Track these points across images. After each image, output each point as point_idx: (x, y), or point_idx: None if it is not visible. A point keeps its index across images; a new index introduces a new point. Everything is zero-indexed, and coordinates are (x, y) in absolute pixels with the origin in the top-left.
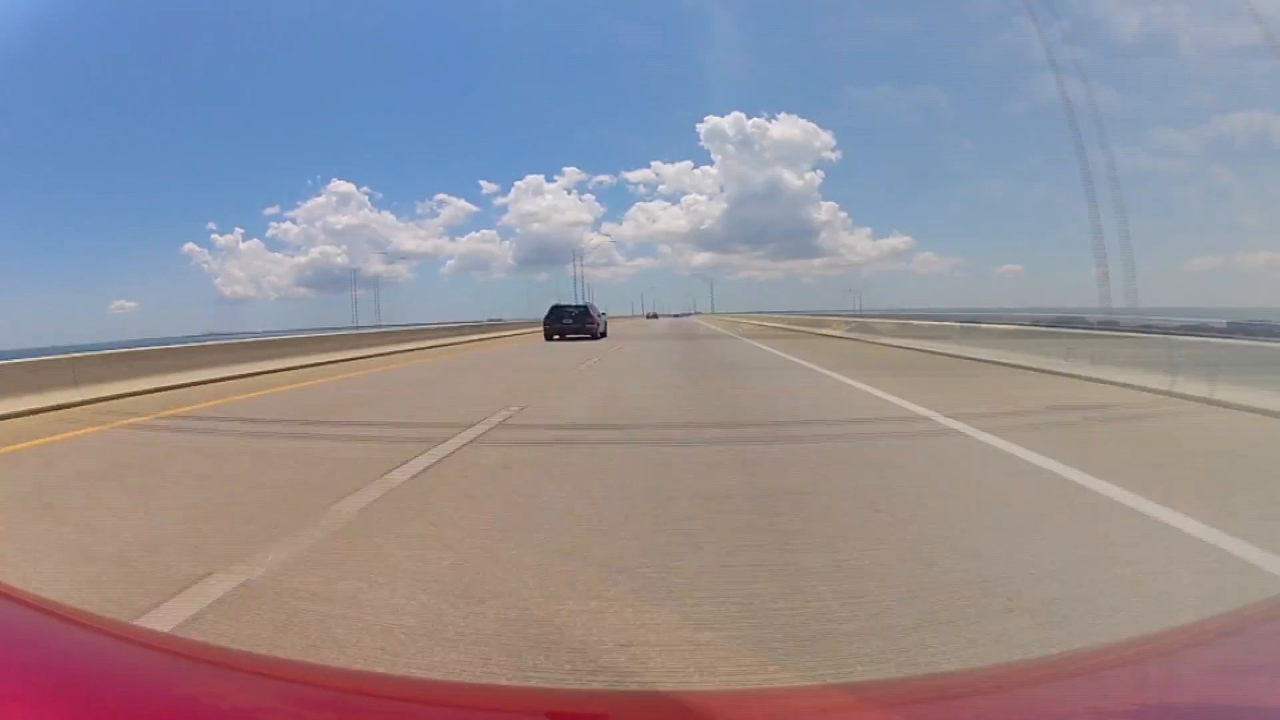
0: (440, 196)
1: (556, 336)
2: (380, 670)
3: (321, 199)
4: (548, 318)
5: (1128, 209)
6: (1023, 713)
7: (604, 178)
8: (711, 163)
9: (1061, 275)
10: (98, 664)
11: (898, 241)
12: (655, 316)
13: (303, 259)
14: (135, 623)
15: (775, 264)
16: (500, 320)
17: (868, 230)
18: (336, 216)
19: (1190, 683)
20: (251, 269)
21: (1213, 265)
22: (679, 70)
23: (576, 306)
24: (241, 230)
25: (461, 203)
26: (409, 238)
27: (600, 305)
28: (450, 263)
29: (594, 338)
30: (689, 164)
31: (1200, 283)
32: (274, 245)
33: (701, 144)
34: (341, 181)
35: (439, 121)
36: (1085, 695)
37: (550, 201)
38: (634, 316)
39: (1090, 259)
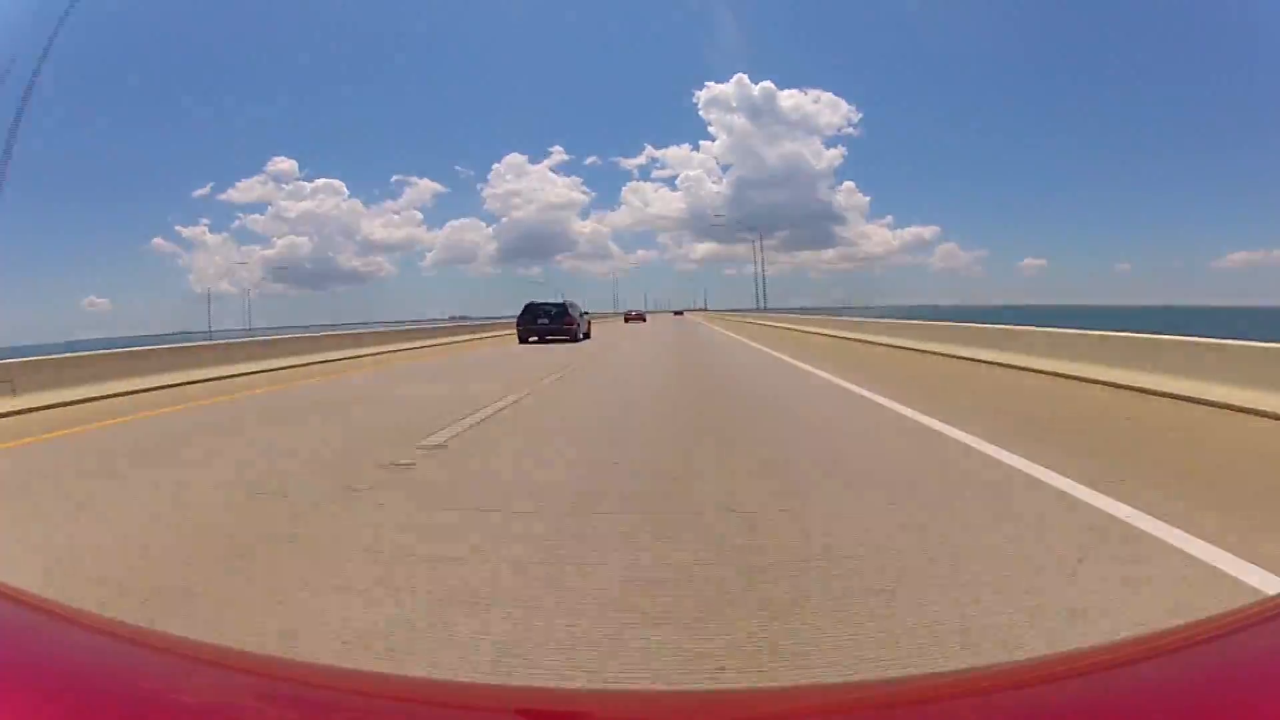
0: (412, 179)
1: (533, 339)
2: (380, 670)
3: (290, 187)
4: (521, 317)
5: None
6: (1023, 713)
7: (593, 158)
8: (712, 139)
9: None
10: (98, 664)
11: (924, 230)
12: (641, 318)
13: (270, 252)
14: (136, 624)
15: (787, 256)
16: (465, 318)
17: (888, 218)
18: (299, 203)
19: (1191, 683)
20: (221, 264)
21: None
22: (675, 42)
23: (554, 304)
24: (207, 222)
25: (428, 182)
26: (382, 224)
27: (594, 302)
28: (430, 255)
29: (573, 339)
30: (686, 147)
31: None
32: (243, 237)
33: (700, 113)
34: (284, 159)
35: (412, 98)
36: (1085, 695)
37: (535, 184)
38: (616, 313)
39: (1116, 253)
